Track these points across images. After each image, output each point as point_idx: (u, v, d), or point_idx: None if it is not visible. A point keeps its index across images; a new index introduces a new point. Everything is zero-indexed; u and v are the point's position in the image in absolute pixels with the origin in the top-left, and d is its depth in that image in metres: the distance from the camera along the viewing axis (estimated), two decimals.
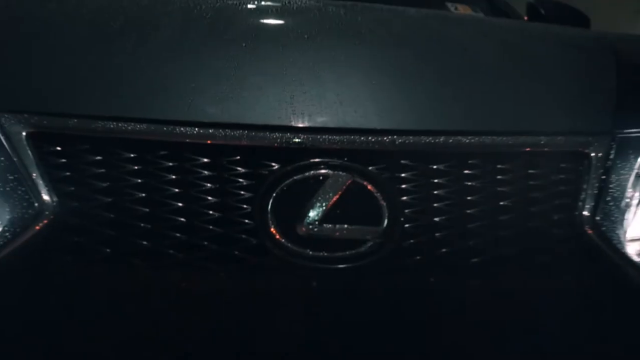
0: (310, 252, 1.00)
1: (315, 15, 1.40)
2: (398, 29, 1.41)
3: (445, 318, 1.03)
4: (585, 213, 1.08)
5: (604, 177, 1.11)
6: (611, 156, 1.13)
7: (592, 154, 1.12)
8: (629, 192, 1.13)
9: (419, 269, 1.02)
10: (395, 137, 1.04)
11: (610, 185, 1.11)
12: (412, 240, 1.02)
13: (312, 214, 1.00)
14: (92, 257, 0.99)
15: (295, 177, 1.01)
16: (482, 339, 1.04)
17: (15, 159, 1.00)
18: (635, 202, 1.14)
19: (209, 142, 1.02)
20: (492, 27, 1.70)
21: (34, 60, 1.13)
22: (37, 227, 0.99)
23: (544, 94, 1.22)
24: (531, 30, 1.74)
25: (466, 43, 1.37)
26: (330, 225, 1.00)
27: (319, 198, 1.01)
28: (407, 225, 1.02)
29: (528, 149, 1.10)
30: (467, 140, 1.07)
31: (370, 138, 1.04)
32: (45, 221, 0.99)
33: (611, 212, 1.09)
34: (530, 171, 1.10)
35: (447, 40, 1.38)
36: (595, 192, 1.09)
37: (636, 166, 1.16)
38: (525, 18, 2.41)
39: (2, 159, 1.00)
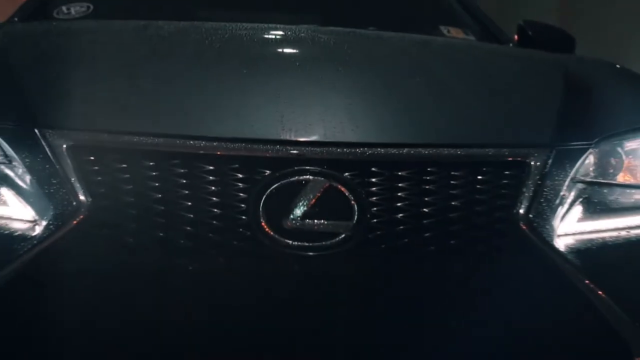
0: (294, 242, 1.24)
1: (306, 44, 1.65)
2: (373, 56, 1.66)
3: (403, 294, 1.26)
4: (521, 212, 1.30)
5: (539, 182, 1.33)
6: (548, 165, 1.35)
7: (532, 163, 1.34)
8: (562, 195, 1.35)
9: (383, 256, 1.25)
10: (365, 149, 1.28)
11: (545, 190, 1.33)
12: (377, 233, 1.25)
13: (296, 211, 1.24)
14: (119, 245, 1.24)
15: (282, 182, 1.25)
16: (433, 310, 1.26)
17: (57, 167, 1.25)
18: (567, 203, 1.36)
19: (213, 152, 1.26)
20: (456, 51, 1.94)
21: (72, 87, 1.38)
22: (75, 222, 1.23)
23: (494, 111, 1.46)
24: (492, 54, 1.97)
25: (429, 67, 1.61)
26: (309, 221, 1.24)
27: (301, 199, 1.24)
28: (373, 221, 1.25)
29: (477, 159, 1.33)
30: (426, 152, 1.30)
31: (345, 150, 1.27)
32: (81, 217, 1.23)
33: (543, 211, 1.31)
34: (478, 177, 1.32)
35: (411, 64, 1.63)
36: (531, 194, 1.32)
37: (571, 174, 1.38)
38: (516, 38, 2.62)
39: (47, 166, 1.25)
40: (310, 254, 1.24)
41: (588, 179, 1.41)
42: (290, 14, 2.46)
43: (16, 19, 2.33)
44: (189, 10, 2.50)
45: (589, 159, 1.42)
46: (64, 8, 2.35)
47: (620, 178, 1.48)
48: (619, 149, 1.48)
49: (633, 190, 1.47)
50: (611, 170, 1.47)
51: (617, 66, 2.00)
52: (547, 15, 11.68)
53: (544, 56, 2.10)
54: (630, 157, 1.49)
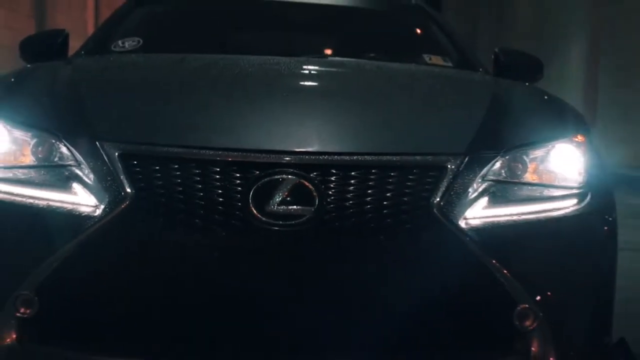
0: (273, 222, 1.77)
1: (289, 79, 2.23)
2: (337, 86, 2.23)
3: (351, 261, 1.80)
4: (435, 200, 1.82)
5: (452, 180, 1.84)
6: (461, 168, 1.87)
7: (448, 166, 1.86)
8: (471, 190, 1.87)
9: (334, 232, 1.78)
10: (325, 156, 1.81)
11: (456, 186, 1.85)
12: (331, 215, 1.78)
13: (275, 200, 1.77)
14: (152, 224, 1.79)
15: (266, 179, 1.79)
16: (368, 272, 1.79)
17: (111, 168, 1.81)
18: (475, 196, 1.87)
19: (218, 159, 1.81)
20: (405, 77, 2.51)
21: (122, 109, 1.96)
22: (122, 207, 1.79)
23: (423, 127, 1.99)
24: (432, 79, 2.52)
25: (378, 92, 2.18)
26: (284, 207, 1.77)
27: (279, 191, 1.77)
28: (328, 207, 1.78)
29: (407, 164, 1.85)
30: (369, 158, 1.83)
31: (310, 157, 1.81)
32: (127, 203, 1.79)
33: (453, 201, 1.83)
34: (409, 176, 1.84)
35: (366, 90, 2.19)
36: (444, 189, 1.83)
37: (480, 174, 1.89)
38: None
39: (104, 167, 1.81)
40: (284, 229, 1.77)
41: (495, 178, 1.92)
42: (303, 48, 3.02)
43: (83, 52, 2.93)
44: (217, 42, 3.08)
45: (498, 164, 1.93)
46: (119, 42, 2.95)
47: (527, 178, 1.99)
48: (524, 157, 1.99)
49: (532, 187, 1.98)
50: (518, 172, 1.98)
51: (537, 89, 2.51)
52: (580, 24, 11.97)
53: (479, 80, 2.62)
54: (534, 163, 2.00)
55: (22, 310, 1.79)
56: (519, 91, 2.51)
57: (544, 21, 14.44)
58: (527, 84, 2.68)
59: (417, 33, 3.36)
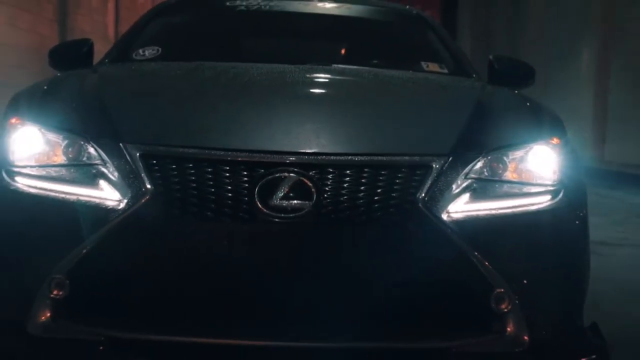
0: (276, 214, 2.00)
1: (292, 87, 2.47)
2: (336, 92, 2.47)
3: (344, 249, 2.02)
4: (421, 196, 2.04)
5: (436, 178, 2.06)
6: (445, 167, 2.09)
7: (433, 166, 2.08)
8: (454, 187, 2.09)
9: (330, 223, 2.01)
10: (323, 156, 2.04)
11: (439, 183, 2.06)
12: (327, 209, 2.01)
13: (277, 195, 2.00)
14: (169, 215, 2.03)
15: (270, 177, 2.02)
16: (362, 261, 2.02)
17: (133, 167, 2.05)
18: (457, 192, 2.09)
19: (228, 159, 2.04)
20: (397, 84, 2.75)
21: (142, 114, 2.20)
22: (143, 200, 2.03)
23: (411, 130, 2.22)
24: (422, 86, 2.76)
25: (372, 98, 2.42)
26: (285, 201, 2.00)
27: (281, 187, 2.00)
28: (325, 202, 2.01)
29: (396, 163, 2.07)
30: (362, 158, 2.06)
31: (309, 157, 2.03)
32: (147, 197, 2.02)
33: (436, 196, 2.05)
34: (398, 174, 2.06)
35: (361, 96, 2.44)
36: (429, 186, 2.06)
37: (463, 173, 2.11)
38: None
39: (127, 166, 2.05)
40: (285, 221, 2.00)
41: (477, 176, 2.14)
42: (308, 56, 3.26)
43: (107, 60, 3.18)
44: (230, 51, 3.33)
45: (480, 164, 2.15)
46: (140, 51, 3.20)
47: (506, 176, 2.21)
48: (504, 157, 2.21)
49: (511, 185, 2.19)
50: (499, 171, 2.20)
51: (520, 95, 2.73)
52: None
53: (466, 86, 2.85)
54: (513, 162, 2.22)
55: (55, 292, 2.03)
56: (503, 97, 2.73)
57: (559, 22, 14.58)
58: (512, 90, 2.90)
59: (416, 42, 3.59)
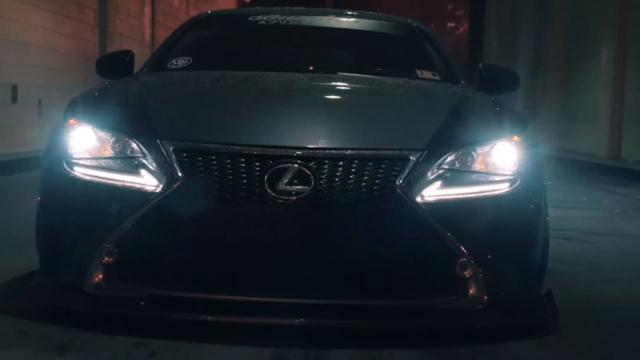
0: (281, 197, 2.49)
1: (299, 93, 2.98)
2: (334, 96, 2.98)
3: (336, 225, 2.51)
4: (399, 183, 2.52)
5: (412, 168, 2.53)
6: (420, 159, 2.56)
7: (410, 158, 2.55)
8: (427, 175, 2.56)
9: (325, 204, 2.50)
10: (320, 150, 2.53)
11: (415, 172, 2.54)
12: (323, 192, 2.49)
13: (282, 181, 2.49)
14: (197, 199, 2.53)
15: (277, 167, 2.51)
16: (350, 234, 2.50)
17: (168, 159, 2.56)
18: (431, 180, 2.56)
19: (244, 152, 2.54)
20: (385, 88, 3.25)
21: (175, 115, 2.72)
22: (175, 186, 2.52)
23: (394, 128, 2.70)
24: (411, 89, 3.27)
25: (363, 101, 2.94)
26: (289, 186, 2.49)
27: (286, 175, 2.50)
28: (321, 187, 2.50)
29: (379, 156, 2.55)
30: (352, 152, 2.54)
31: (309, 151, 2.53)
32: (178, 183, 2.52)
33: (412, 183, 2.53)
34: (381, 165, 2.54)
35: (353, 100, 2.95)
36: (406, 174, 2.54)
37: (436, 164, 2.58)
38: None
39: (162, 158, 2.55)
40: (289, 202, 2.49)
41: (448, 167, 2.60)
42: (318, 66, 3.76)
43: (145, 69, 3.71)
44: (252, 61, 3.84)
45: (452, 157, 2.62)
46: (174, 61, 3.72)
47: (474, 168, 2.68)
48: (473, 152, 2.67)
49: (477, 174, 2.66)
50: (468, 164, 2.66)
51: (492, 100, 3.19)
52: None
53: (446, 92, 3.34)
54: (480, 156, 2.68)
55: (106, 258, 2.54)
56: (476, 101, 3.20)
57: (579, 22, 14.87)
58: (489, 95, 3.36)
59: (414, 52, 4.05)
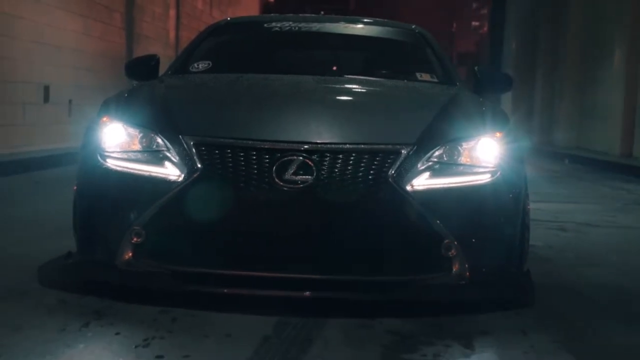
0: (287, 185, 2.85)
1: (306, 94, 3.34)
2: (337, 97, 3.34)
3: (334, 209, 2.86)
4: (391, 173, 2.87)
5: (403, 160, 2.88)
6: (410, 153, 2.91)
7: (402, 152, 2.90)
8: (417, 166, 2.91)
9: (325, 190, 2.85)
10: (322, 145, 2.89)
11: (405, 163, 2.89)
12: (324, 181, 2.85)
13: (289, 171, 2.85)
14: (214, 187, 2.90)
15: (284, 159, 2.87)
16: (347, 217, 2.86)
17: (189, 152, 2.92)
18: (420, 171, 2.91)
19: (256, 146, 2.90)
20: (383, 89, 3.62)
21: (195, 113, 3.10)
22: (195, 175, 2.91)
23: (388, 125, 3.05)
24: (408, 90, 3.63)
25: (362, 101, 3.30)
26: (294, 176, 2.85)
27: (291, 166, 2.86)
28: (322, 176, 2.85)
29: (374, 150, 2.91)
30: (350, 146, 2.89)
31: (313, 145, 2.88)
32: (198, 173, 2.89)
33: (403, 174, 2.88)
34: (376, 158, 2.89)
35: (353, 100, 3.30)
36: (397, 166, 2.88)
37: (425, 157, 2.93)
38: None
39: (184, 152, 2.92)
40: (294, 190, 2.85)
41: (436, 160, 2.95)
42: (326, 69, 4.13)
43: (170, 72, 4.09)
44: (265, 64, 4.21)
45: (440, 151, 2.97)
46: (195, 64, 4.10)
47: (460, 161, 3.02)
48: (459, 147, 3.02)
49: (462, 166, 3.00)
50: (454, 157, 3.01)
51: (480, 101, 3.53)
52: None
53: (440, 93, 3.69)
54: (466, 150, 3.02)
55: (135, 239, 2.91)
56: (465, 101, 3.54)
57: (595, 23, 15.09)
58: (477, 96, 3.70)
59: (415, 56, 4.41)
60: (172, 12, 15.17)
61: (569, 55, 16.02)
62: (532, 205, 6.08)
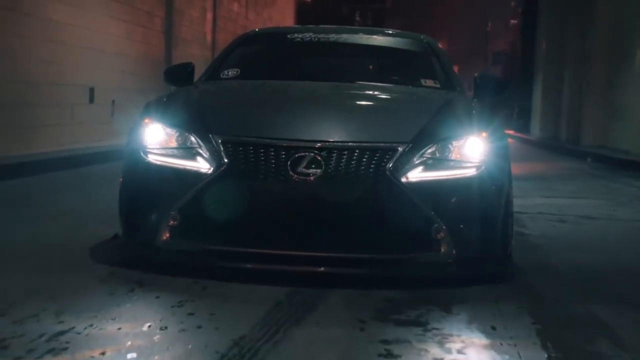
0: (300, 177, 3.37)
1: (320, 98, 3.88)
2: (345, 100, 3.88)
3: (340, 197, 3.37)
4: (389, 167, 3.37)
5: (400, 156, 3.39)
6: (406, 150, 3.41)
7: (398, 149, 3.41)
8: (412, 161, 3.41)
9: (332, 182, 3.36)
10: (330, 143, 3.40)
11: (402, 159, 3.39)
12: (332, 174, 3.36)
13: (301, 165, 3.37)
14: (238, 179, 3.43)
15: (297, 155, 3.39)
16: (350, 205, 3.37)
17: (217, 149, 3.46)
18: (415, 165, 3.41)
19: (274, 144, 3.42)
20: (387, 94, 4.15)
21: (223, 115, 3.65)
22: (222, 169, 3.43)
23: (387, 126, 3.56)
24: (411, 94, 4.14)
25: (366, 105, 3.85)
26: (306, 169, 3.37)
27: (304, 161, 3.38)
28: (330, 170, 3.37)
29: (375, 148, 3.41)
30: (354, 144, 3.41)
31: (322, 143, 3.40)
32: (224, 167, 3.42)
33: (399, 168, 3.39)
34: (376, 154, 3.40)
35: (359, 103, 3.84)
36: (395, 159, 3.39)
37: (419, 154, 3.43)
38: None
39: (213, 149, 3.46)
40: (306, 181, 3.36)
41: (430, 156, 3.45)
42: (341, 76, 4.66)
43: (203, 78, 4.65)
44: (288, 71, 4.75)
45: (432, 149, 3.47)
46: (225, 72, 4.65)
47: (450, 157, 3.51)
48: (450, 145, 3.51)
49: (452, 162, 3.49)
50: (445, 154, 3.50)
51: (473, 104, 4.02)
52: None
53: (438, 97, 4.18)
54: (456, 148, 3.52)
55: (171, 222, 3.46)
56: (458, 104, 4.03)
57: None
58: (473, 100, 4.20)
59: (421, 63, 4.91)
60: (209, 16, 15.78)
61: (596, 55, 16.30)
62: (540, 200, 6.59)
